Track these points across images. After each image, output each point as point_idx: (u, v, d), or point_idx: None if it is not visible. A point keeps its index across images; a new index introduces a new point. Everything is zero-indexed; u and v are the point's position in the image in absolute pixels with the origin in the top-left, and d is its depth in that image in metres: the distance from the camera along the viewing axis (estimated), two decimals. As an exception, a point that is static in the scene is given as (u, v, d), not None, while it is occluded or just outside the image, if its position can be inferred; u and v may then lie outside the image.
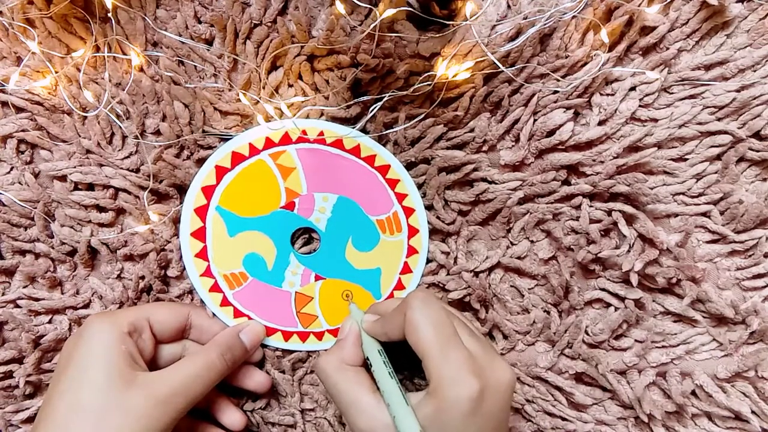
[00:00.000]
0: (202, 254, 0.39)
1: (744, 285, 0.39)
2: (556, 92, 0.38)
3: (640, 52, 0.38)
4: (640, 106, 0.38)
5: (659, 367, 0.40)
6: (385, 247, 0.41)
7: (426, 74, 0.37)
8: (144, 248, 0.39)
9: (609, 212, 0.39)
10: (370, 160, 0.40)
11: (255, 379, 0.39)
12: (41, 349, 0.39)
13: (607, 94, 0.38)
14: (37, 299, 0.39)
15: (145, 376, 0.32)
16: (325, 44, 0.36)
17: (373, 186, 0.40)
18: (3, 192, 0.38)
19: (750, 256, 0.39)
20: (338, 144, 0.39)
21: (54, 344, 0.39)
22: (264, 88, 0.38)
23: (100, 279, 0.40)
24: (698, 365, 0.40)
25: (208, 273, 0.40)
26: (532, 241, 0.41)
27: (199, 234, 0.39)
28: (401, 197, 0.40)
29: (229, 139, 0.39)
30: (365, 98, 0.38)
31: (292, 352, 0.41)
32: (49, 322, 0.40)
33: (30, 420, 0.40)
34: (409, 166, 0.40)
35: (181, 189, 0.39)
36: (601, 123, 0.38)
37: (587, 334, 0.40)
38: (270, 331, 0.40)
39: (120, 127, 0.38)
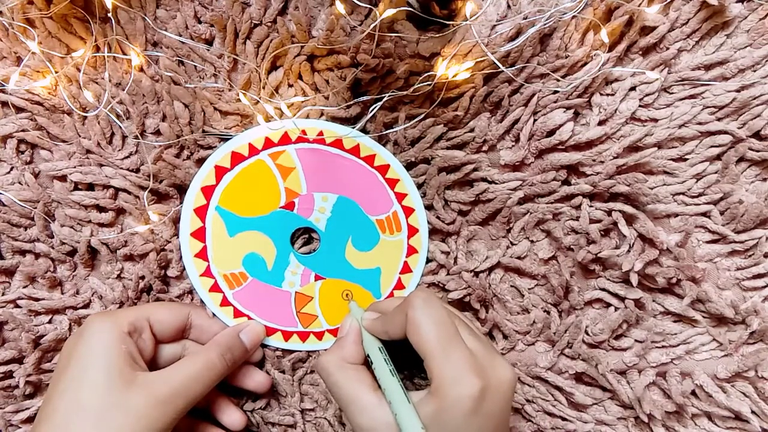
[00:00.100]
0: (202, 254, 0.39)
1: (744, 285, 0.39)
2: (556, 92, 0.38)
3: (640, 52, 0.38)
4: (640, 106, 0.38)
5: (659, 367, 0.40)
6: (385, 246, 0.41)
7: (426, 74, 0.37)
8: (144, 248, 0.39)
9: (609, 212, 0.39)
10: (369, 159, 0.40)
11: (255, 379, 0.39)
12: (41, 349, 0.39)
13: (607, 94, 0.38)
14: (37, 299, 0.39)
15: (145, 376, 0.32)
16: (325, 44, 0.36)
17: (372, 186, 0.40)
18: (3, 192, 0.38)
19: (750, 256, 0.39)
20: (338, 144, 0.39)
21: (54, 344, 0.39)
22: (264, 88, 0.38)
23: (100, 279, 0.40)
24: (698, 365, 0.40)
25: (208, 273, 0.40)
26: (532, 241, 0.41)
27: (199, 234, 0.39)
28: (401, 197, 0.40)
29: (228, 139, 0.39)
30: (365, 98, 0.38)
31: (292, 352, 0.41)
32: (49, 322, 0.40)
33: (30, 420, 0.40)
34: (409, 166, 0.40)
35: (181, 189, 0.39)
36: (601, 123, 0.38)
37: (587, 334, 0.40)
38: (270, 331, 0.40)
39: (120, 127, 0.38)
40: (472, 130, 0.39)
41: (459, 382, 0.29)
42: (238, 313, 0.40)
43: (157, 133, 0.39)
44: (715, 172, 0.39)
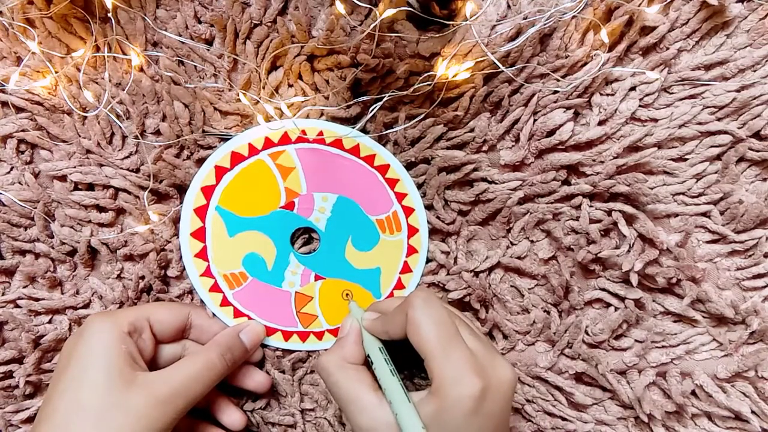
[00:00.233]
0: (202, 254, 0.39)
1: (744, 285, 0.39)
2: (556, 92, 0.38)
3: (640, 52, 0.38)
4: (640, 106, 0.38)
5: (659, 367, 0.40)
6: (385, 246, 0.41)
7: (426, 74, 0.37)
8: (144, 248, 0.39)
9: (609, 212, 0.39)
10: (369, 159, 0.40)
11: (255, 379, 0.39)
12: (41, 349, 0.39)
13: (607, 94, 0.38)
14: (37, 299, 0.39)
15: (145, 376, 0.32)
16: (325, 44, 0.36)
17: (372, 185, 0.40)
18: (3, 192, 0.38)
19: (750, 256, 0.39)
20: (337, 144, 0.39)
21: (54, 344, 0.39)
22: (264, 88, 0.38)
23: (100, 279, 0.40)
24: (698, 365, 0.40)
25: (208, 273, 0.40)
26: (532, 241, 0.41)
27: (199, 234, 0.39)
28: (401, 197, 0.40)
29: (228, 139, 0.39)
30: (365, 98, 0.38)
31: (292, 352, 0.41)
32: (49, 322, 0.40)
33: (30, 420, 0.40)
34: (409, 166, 0.40)
35: (181, 189, 0.39)
36: (601, 123, 0.38)
37: (587, 334, 0.40)
38: (270, 331, 0.40)
39: (120, 127, 0.38)
40: (472, 130, 0.39)
41: (459, 382, 0.29)
42: (238, 313, 0.40)
43: (157, 133, 0.39)
44: (715, 172, 0.39)
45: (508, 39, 0.36)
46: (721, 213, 0.39)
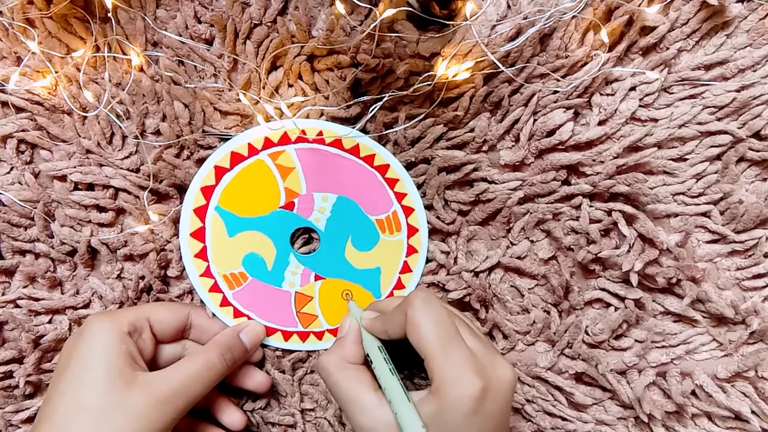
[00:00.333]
0: (202, 254, 0.39)
1: (744, 285, 0.39)
2: (556, 92, 0.38)
3: (640, 52, 0.38)
4: (640, 106, 0.38)
5: (659, 367, 0.40)
6: (385, 246, 0.41)
7: (426, 74, 0.37)
8: (144, 248, 0.39)
9: (609, 212, 0.39)
10: (369, 159, 0.40)
11: (255, 379, 0.39)
12: (41, 349, 0.39)
13: (607, 94, 0.38)
14: (37, 299, 0.39)
15: (145, 376, 0.32)
16: (325, 44, 0.36)
17: (372, 185, 0.40)
18: (3, 192, 0.38)
19: (750, 256, 0.39)
20: (337, 144, 0.39)
21: (54, 344, 0.39)
22: (264, 88, 0.38)
23: (100, 279, 0.40)
24: (698, 365, 0.40)
25: (207, 273, 0.40)
26: (532, 241, 0.41)
27: (199, 234, 0.39)
28: (400, 197, 0.40)
29: (228, 139, 0.39)
30: (365, 98, 0.38)
31: (292, 352, 0.41)
32: (49, 322, 0.40)
33: (30, 420, 0.40)
34: (409, 166, 0.40)
35: (181, 189, 0.39)
36: (601, 123, 0.38)
37: (587, 334, 0.40)
38: (270, 331, 0.40)
39: (120, 127, 0.38)
40: (472, 130, 0.39)
41: (459, 382, 0.29)
42: (238, 313, 0.40)
43: (157, 133, 0.39)
44: (715, 172, 0.39)
45: (508, 39, 0.36)
46: (721, 213, 0.39)
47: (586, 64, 0.37)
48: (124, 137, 0.39)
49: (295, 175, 0.39)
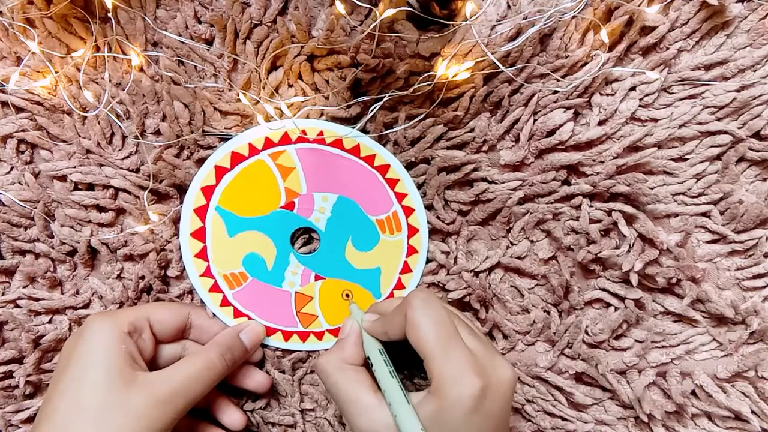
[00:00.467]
0: (202, 254, 0.39)
1: (744, 285, 0.39)
2: (556, 92, 0.38)
3: (640, 52, 0.38)
4: (640, 106, 0.38)
5: (659, 367, 0.40)
6: (385, 246, 0.41)
7: (426, 74, 0.37)
8: (144, 248, 0.39)
9: (609, 212, 0.39)
10: (369, 159, 0.40)
11: (255, 379, 0.39)
12: (41, 349, 0.39)
13: (607, 94, 0.38)
14: (37, 299, 0.39)
15: (145, 376, 0.32)
16: (325, 44, 0.36)
17: (372, 186, 0.40)
18: (3, 192, 0.38)
19: (750, 256, 0.39)
20: (338, 144, 0.39)
21: (54, 344, 0.39)
22: (264, 88, 0.38)
23: (100, 279, 0.40)
24: (698, 365, 0.40)
25: (207, 273, 0.40)
26: (532, 241, 0.41)
27: (199, 234, 0.39)
28: (401, 197, 0.40)
29: (228, 139, 0.39)
30: (365, 98, 0.38)
31: (292, 352, 0.41)
32: (49, 322, 0.40)
33: (30, 420, 0.40)
34: (409, 166, 0.40)
35: (181, 189, 0.39)
36: (601, 123, 0.38)
37: (587, 334, 0.40)
38: (270, 331, 0.40)
39: (120, 127, 0.38)
40: (472, 130, 0.39)
41: (459, 382, 0.29)
42: (238, 313, 0.40)
43: (157, 133, 0.39)
44: (715, 172, 0.39)
45: (508, 39, 0.36)
46: (721, 213, 0.39)
47: (586, 64, 0.37)
48: (124, 137, 0.39)
49: (296, 175, 0.39)
